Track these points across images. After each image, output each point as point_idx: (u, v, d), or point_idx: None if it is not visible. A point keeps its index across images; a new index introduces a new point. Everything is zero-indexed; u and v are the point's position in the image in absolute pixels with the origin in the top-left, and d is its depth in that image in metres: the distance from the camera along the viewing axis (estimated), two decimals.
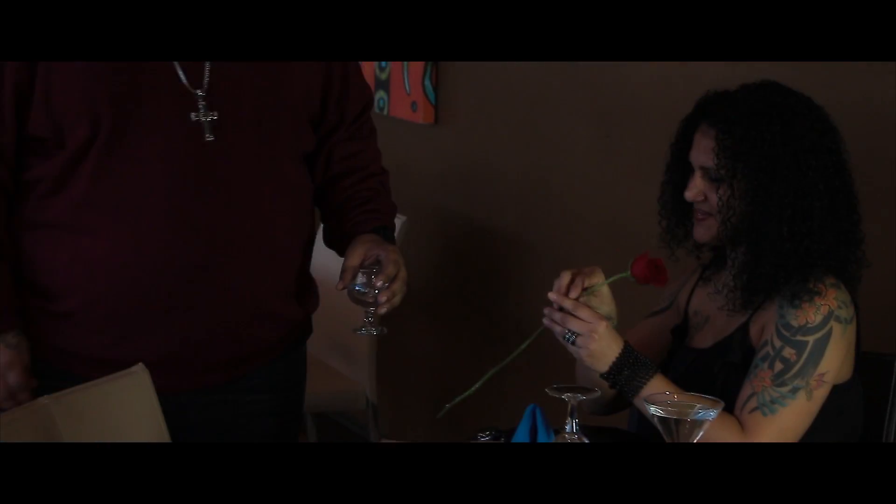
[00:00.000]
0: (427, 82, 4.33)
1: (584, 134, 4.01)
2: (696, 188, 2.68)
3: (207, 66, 2.60)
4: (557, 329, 2.59)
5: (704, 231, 2.70)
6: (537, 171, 4.16)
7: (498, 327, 4.37)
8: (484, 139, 4.30)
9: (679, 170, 2.74)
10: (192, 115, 2.60)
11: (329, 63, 2.77)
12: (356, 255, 2.72)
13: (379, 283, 2.66)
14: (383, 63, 4.48)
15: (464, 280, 4.56)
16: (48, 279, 2.63)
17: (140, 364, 2.47)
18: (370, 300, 2.67)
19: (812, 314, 2.58)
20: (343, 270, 2.72)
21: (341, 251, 2.80)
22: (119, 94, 2.55)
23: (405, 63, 4.39)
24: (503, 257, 4.36)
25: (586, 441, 2.32)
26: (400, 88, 4.43)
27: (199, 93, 2.61)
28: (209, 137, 2.60)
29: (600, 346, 2.57)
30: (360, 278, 2.68)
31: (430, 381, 4.78)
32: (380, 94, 4.54)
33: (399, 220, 4.10)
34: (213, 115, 2.61)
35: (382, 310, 2.68)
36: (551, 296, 2.60)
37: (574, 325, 2.57)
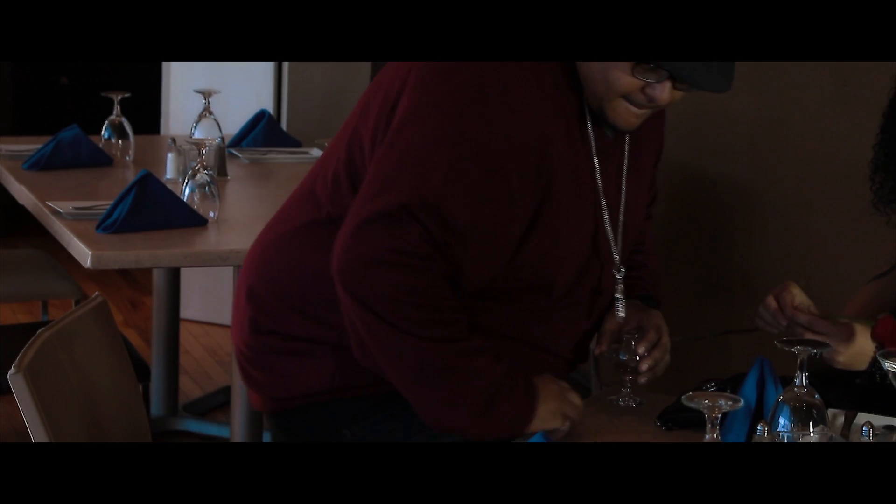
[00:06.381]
0: None
1: (820, 82, 3.91)
2: None
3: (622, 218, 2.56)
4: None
5: None
6: (770, 121, 4.08)
7: (724, 277, 4.31)
8: None
9: None
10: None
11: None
12: (615, 319, 2.57)
13: (641, 350, 2.53)
14: None
15: (690, 229, 4.51)
16: None
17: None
18: (630, 367, 2.54)
19: None
20: (600, 334, 2.58)
21: None
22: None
23: None
24: (732, 206, 4.29)
25: (816, 396, 2.26)
26: None
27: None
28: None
29: (854, 350, 2.51)
30: (621, 344, 2.55)
31: None
32: None
33: None
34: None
35: (643, 379, 2.55)
36: (788, 318, 2.58)
37: (822, 337, 2.52)
